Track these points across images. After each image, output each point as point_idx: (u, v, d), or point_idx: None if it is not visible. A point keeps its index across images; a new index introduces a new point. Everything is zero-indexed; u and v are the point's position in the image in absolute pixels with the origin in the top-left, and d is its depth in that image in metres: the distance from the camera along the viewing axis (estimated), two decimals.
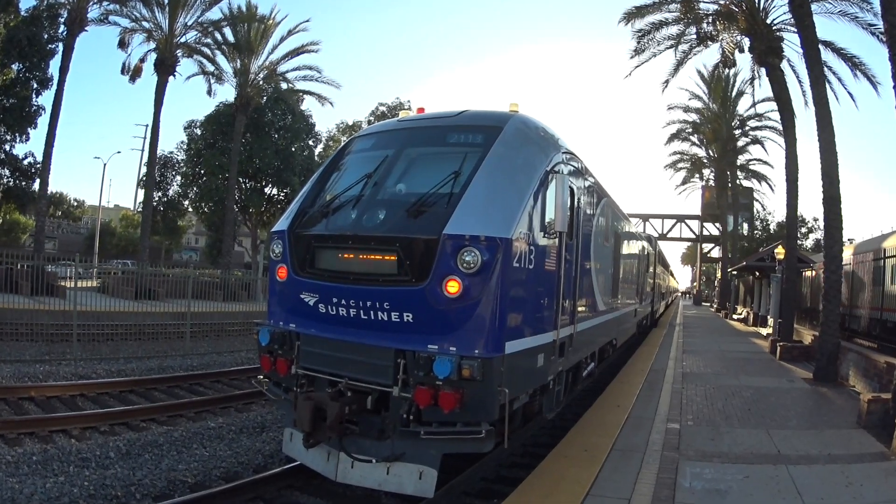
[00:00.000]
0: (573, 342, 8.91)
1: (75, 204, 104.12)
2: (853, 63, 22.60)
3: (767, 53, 21.73)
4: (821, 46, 17.88)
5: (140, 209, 50.62)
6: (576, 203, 8.80)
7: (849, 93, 23.69)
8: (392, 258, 6.57)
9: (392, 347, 6.40)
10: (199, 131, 47.58)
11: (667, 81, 26.76)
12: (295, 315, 7.31)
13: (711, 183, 55.23)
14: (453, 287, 6.17)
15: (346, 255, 6.98)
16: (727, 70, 27.12)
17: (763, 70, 23.22)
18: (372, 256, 6.78)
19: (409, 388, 6.22)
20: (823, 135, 15.36)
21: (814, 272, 27.82)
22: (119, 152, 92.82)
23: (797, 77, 24.74)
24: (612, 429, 9.16)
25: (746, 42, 23.14)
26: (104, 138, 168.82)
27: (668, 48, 24.85)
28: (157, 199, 48.05)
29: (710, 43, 24.62)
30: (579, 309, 9.27)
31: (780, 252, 22.80)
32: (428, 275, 6.29)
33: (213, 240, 47.25)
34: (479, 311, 6.23)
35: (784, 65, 22.48)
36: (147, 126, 48.19)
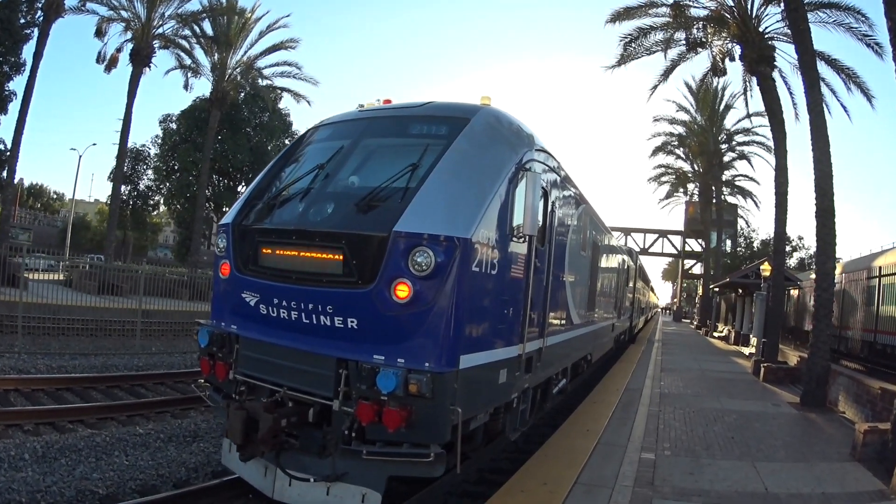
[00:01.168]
0: (542, 357, 8.21)
1: (55, 196, 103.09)
2: (847, 75, 21.94)
3: (759, 62, 20.94)
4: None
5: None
6: (549, 206, 8.22)
7: (842, 106, 23.06)
8: (337, 257, 5.98)
9: (333, 356, 5.78)
10: (174, 126, 46.39)
11: (654, 87, 25.91)
12: (236, 316, 6.78)
13: (696, 198, 54.44)
14: (403, 291, 5.58)
15: (288, 252, 6.38)
16: (716, 78, 26.27)
17: (754, 80, 22.47)
18: (316, 254, 6.18)
19: (351, 402, 5.62)
20: (818, 144, 14.43)
21: (798, 291, 27.00)
22: (95, 144, 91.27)
23: (789, 90, 24.16)
24: (578, 457, 8.06)
25: (737, 50, 22.42)
26: (89, 132, 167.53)
27: (656, 52, 23.95)
28: (127, 193, 46.78)
29: (699, 50, 23.83)
30: (550, 321, 8.57)
31: (765, 269, 21.92)
32: (375, 276, 5.70)
33: (184, 237, 45.84)
34: (430, 319, 5.61)
35: (775, 76, 21.73)
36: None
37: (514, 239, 6.69)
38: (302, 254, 6.26)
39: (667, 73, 25.40)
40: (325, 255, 6.09)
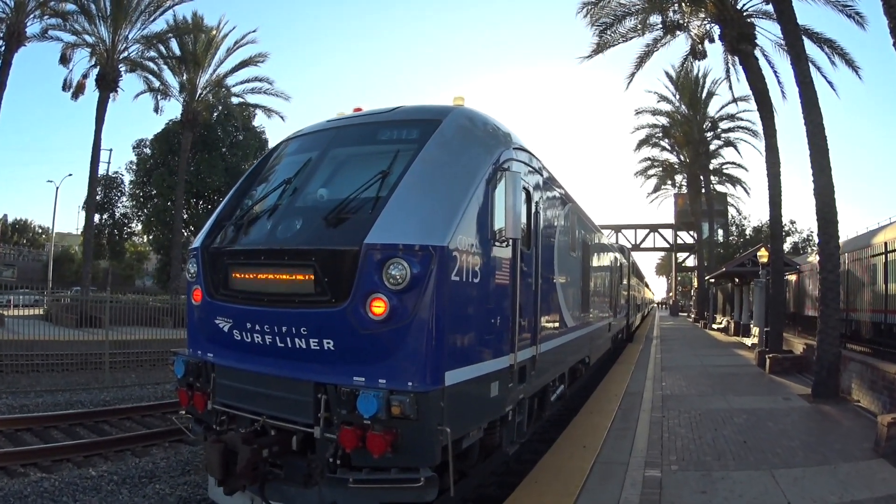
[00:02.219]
0: (536, 365, 7.83)
1: (40, 231, 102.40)
2: (832, 48, 21.11)
3: (740, 41, 20.14)
4: None
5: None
6: (533, 207, 7.87)
7: (828, 82, 22.35)
8: (308, 275, 5.66)
9: (311, 380, 5.47)
10: (149, 150, 45.27)
11: (632, 75, 24.98)
12: (211, 343, 6.47)
13: (684, 189, 53.63)
14: (379, 307, 5.25)
15: (258, 273, 6.09)
16: (696, 62, 25.41)
17: (736, 59, 21.82)
18: (286, 273, 5.88)
19: (333, 428, 5.30)
20: (810, 117, 13.56)
21: (797, 275, 26.09)
22: (70, 175, 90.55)
23: (772, 68, 23.44)
24: (574, 481, 7.07)
25: (717, 31, 21.63)
26: (67, 162, 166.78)
27: (633, 38, 23.17)
28: (102, 221, 45.73)
29: (677, 32, 23.07)
30: (542, 326, 8.16)
31: (763, 255, 20.96)
32: (349, 293, 5.36)
33: (164, 263, 44.61)
34: (410, 335, 5.27)
35: (758, 55, 20.90)
36: (111, 150, 46.71)
37: (497, 243, 6.33)
38: (272, 274, 5.95)
39: (643, 59, 24.55)
40: (295, 274, 5.77)
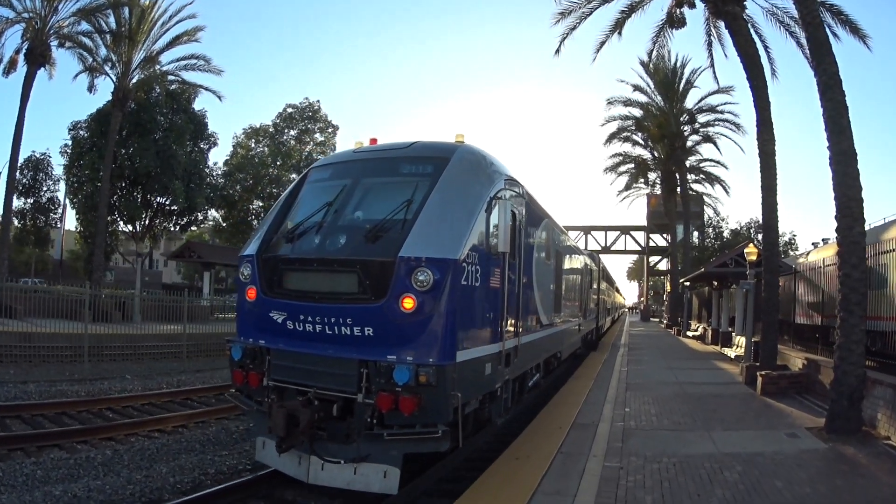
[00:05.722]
0: (518, 353, 9.23)
1: None
2: (834, 13, 17.91)
3: (726, 1, 16.98)
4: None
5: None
6: (517, 225, 9.22)
7: None
8: (353, 278, 7.20)
9: (356, 358, 6.92)
10: (84, 133, 41.36)
11: (602, 43, 21.47)
12: (264, 332, 7.78)
13: (657, 189, 50.34)
14: (409, 303, 6.78)
15: (311, 277, 7.61)
16: (674, 30, 21.77)
17: (721, 24, 18.88)
18: (335, 277, 7.42)
19: (371, 395, 6.76)
20: (822, 66, 10.36)
21: (784, 278, 22.90)
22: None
23: (763, 42, 20.21)
24: None
25: None
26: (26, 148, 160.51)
27: (599, 6, 20.08)
28: (29, 206, 41.84)
29: None
30: (523, 322, 9.54)
31: (751, 252, 17.62)
32: (386, 293, 6.92)
33: (88, 253, 40.53)
34: (432, 324, 6.85)
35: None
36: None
37: (492, 256, 7.86)
38: (323, 277, 7.51)
39: (614, 29, 21.18)
40: (343, 278, 7.35)
